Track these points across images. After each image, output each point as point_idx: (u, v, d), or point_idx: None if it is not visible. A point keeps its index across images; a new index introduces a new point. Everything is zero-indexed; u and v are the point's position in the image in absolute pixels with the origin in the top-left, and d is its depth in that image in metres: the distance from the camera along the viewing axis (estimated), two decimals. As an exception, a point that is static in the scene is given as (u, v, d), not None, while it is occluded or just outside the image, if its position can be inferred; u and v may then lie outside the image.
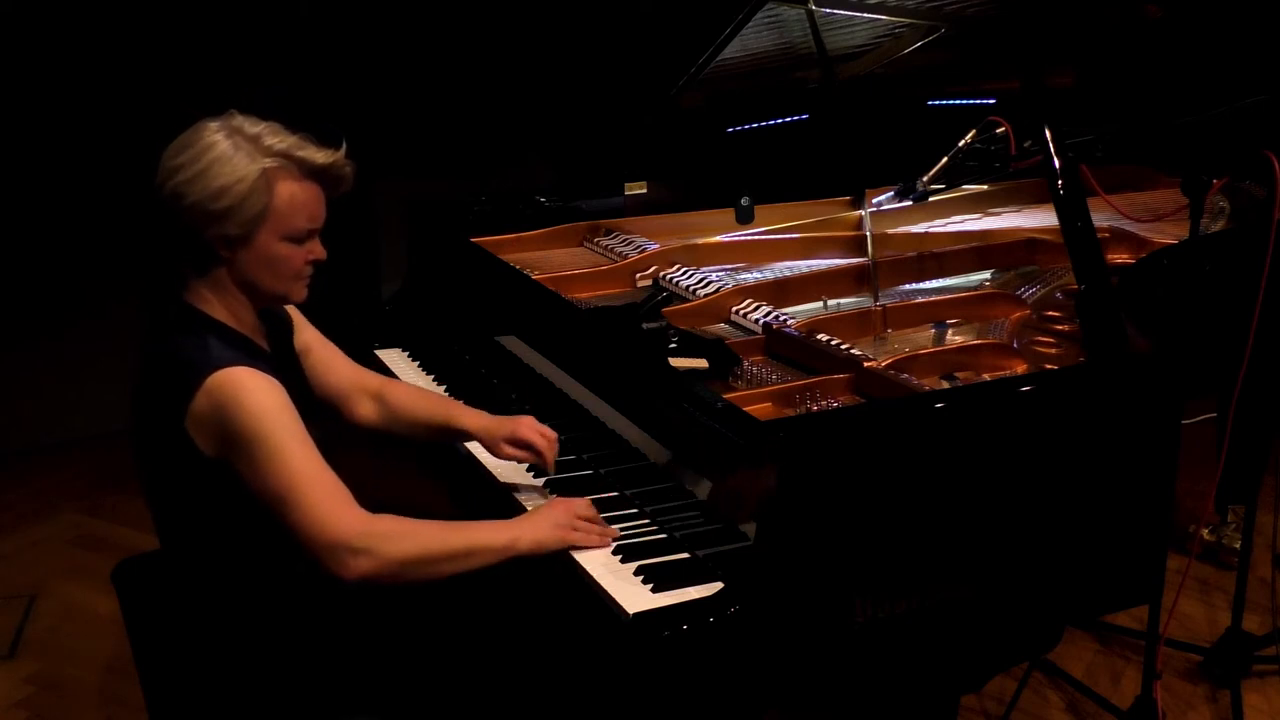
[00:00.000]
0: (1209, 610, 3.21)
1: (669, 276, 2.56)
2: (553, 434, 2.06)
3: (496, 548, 1.77)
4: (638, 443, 2.04)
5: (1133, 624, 2.98)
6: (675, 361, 2.06)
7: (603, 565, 1.78)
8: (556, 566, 1.82)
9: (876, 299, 2.45)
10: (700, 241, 2.74)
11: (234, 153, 1.71)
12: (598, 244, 2.82)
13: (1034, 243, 2.68)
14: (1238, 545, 3.06)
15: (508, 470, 2.11)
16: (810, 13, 2.65)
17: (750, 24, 2.64)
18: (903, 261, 2.61)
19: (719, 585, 1.67)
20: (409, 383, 2.34)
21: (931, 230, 2.85)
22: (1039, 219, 2.87)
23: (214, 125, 1.75)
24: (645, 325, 2.21)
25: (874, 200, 2.72)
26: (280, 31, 4.29)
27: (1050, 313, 2.31)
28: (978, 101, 2.96)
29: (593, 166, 3.10)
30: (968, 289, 2.52)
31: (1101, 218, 2.53)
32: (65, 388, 4.32)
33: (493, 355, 2.55)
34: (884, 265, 2.56)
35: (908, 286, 2.56)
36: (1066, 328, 2.22)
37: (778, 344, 2.24)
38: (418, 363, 2.64)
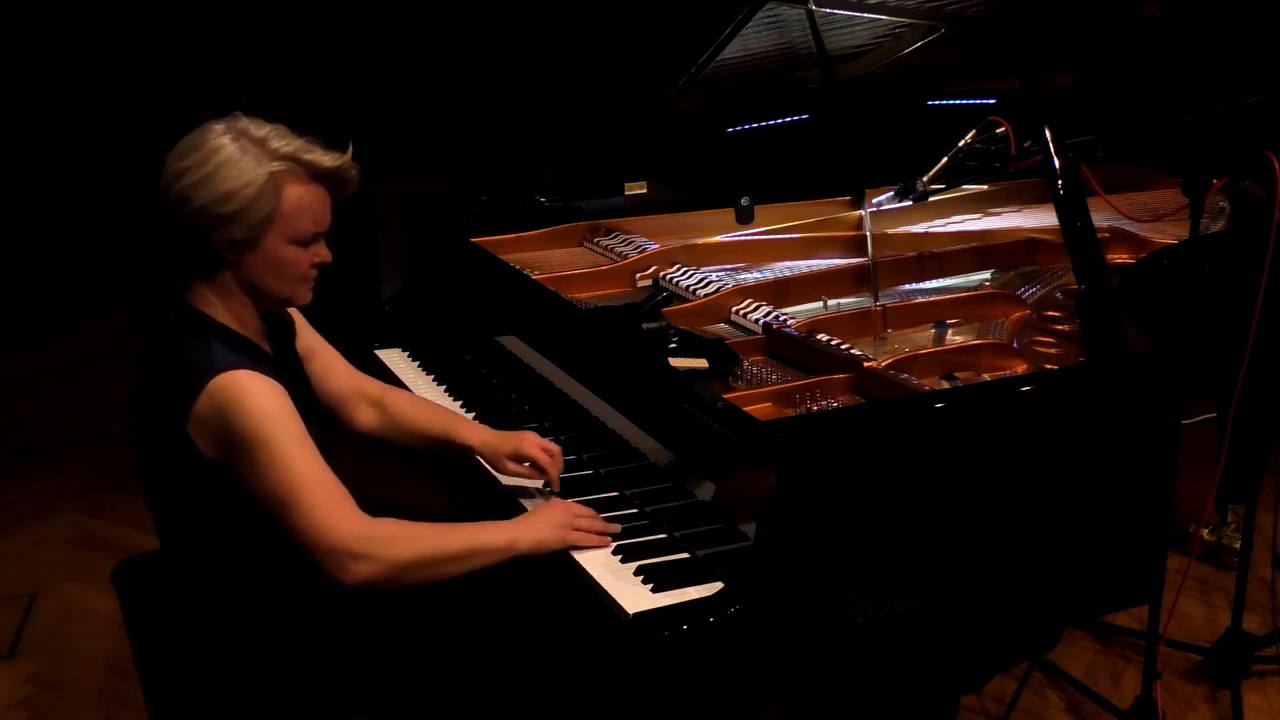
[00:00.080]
0: (1209, 610, 3.21)
1: (669, 276, 2.56)
2: (556, 449, 2.03)
3: (497, 548, 1.77)
4: (638, 443, 2.03)
5: (1133, 624, 2.98)
6: (675, 361, 2.06)
7: (603, 565, 1.78)
8: (556, 567, 1.82)
9: (876, 299, 2.45)
10: (700, 241, 2.74)
11: (241, 156, 1.70)
12: (598, 244, 2.82)
13: (1034, 243, 2.68)
14: (1238, 545, 3.06)
15: (508, 471, 2.11)
16: (810, 13, 2.65)
17: (750, 24, 2.64)
18: (903, 261, 2.61)
19: (719, 585, 1.67)
20: (411, 393, 2.32)
21: (931, 230, 2.85)
22: (1039, 219, 2.87)
23: (220, 127, 1.73)
24: (645, 325, 2.21)
25: (874, 200, 2.72)
26: (280, 32, 4.29)
27: (1050, 313, 2.31)
28: (978, 101, 2.96)
29: (593, 166, 3.09)
30: (968, 289, 2.52)
31: (1101, 218, 2.53)
32: (65, 388, 4.32)
33: (493, 355, 2.55)
34: (884, 265, 2.56)
35: (908, 286, 2.56)
36: (1066, 328, 2.22)
37: (778, 344, 2.24)
38: (418, 363, 2.64)
